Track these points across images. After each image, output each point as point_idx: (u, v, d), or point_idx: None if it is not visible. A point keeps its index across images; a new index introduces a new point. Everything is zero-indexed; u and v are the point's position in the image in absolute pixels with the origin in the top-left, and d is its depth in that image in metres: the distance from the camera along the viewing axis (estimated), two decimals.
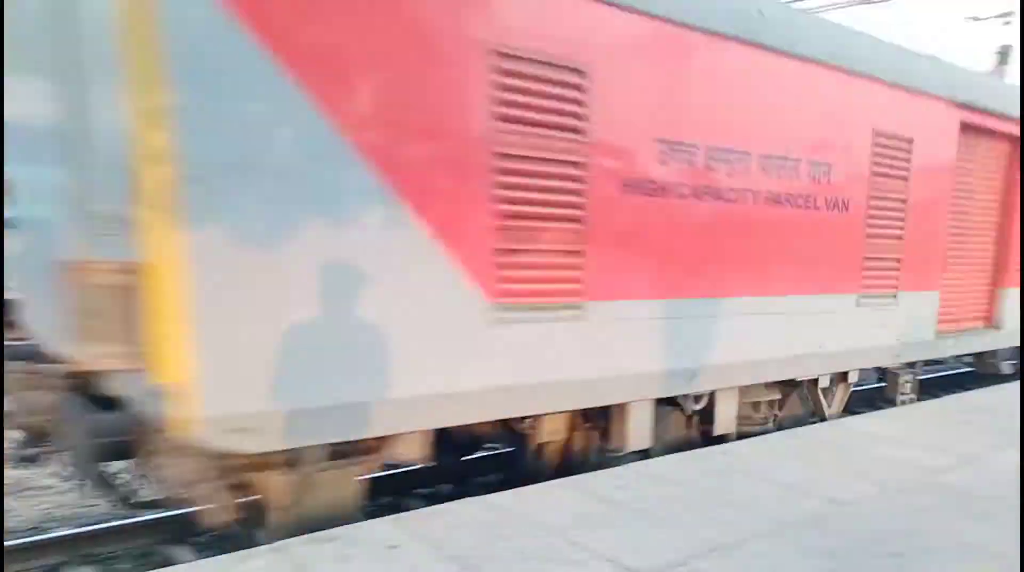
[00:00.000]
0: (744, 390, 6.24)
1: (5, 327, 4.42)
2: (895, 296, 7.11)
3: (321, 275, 3.67)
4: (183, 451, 3.69)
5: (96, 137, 3.57)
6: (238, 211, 3.38)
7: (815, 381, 6.88)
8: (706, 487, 4.79)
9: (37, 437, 4.33)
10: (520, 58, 4.23)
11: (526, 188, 4.38)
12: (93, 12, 3.48)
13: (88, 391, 4.11)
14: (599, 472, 5.01)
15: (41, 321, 4.14)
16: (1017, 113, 8.04)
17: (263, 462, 3.94)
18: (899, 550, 3.95)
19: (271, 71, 3.37)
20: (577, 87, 4.51)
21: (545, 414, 5.07)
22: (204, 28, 3.18)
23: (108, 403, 3.98)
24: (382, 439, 4.31)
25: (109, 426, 3.89)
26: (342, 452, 4.18)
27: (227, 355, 3.45)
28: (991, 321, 8.79)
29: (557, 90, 4.42)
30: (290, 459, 4.01)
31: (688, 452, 5.62)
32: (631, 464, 5.24)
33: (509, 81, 4.21)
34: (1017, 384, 8.79)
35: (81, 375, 4.03)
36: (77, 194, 3.64)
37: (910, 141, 6.82)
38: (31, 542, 5.23)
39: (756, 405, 6.52)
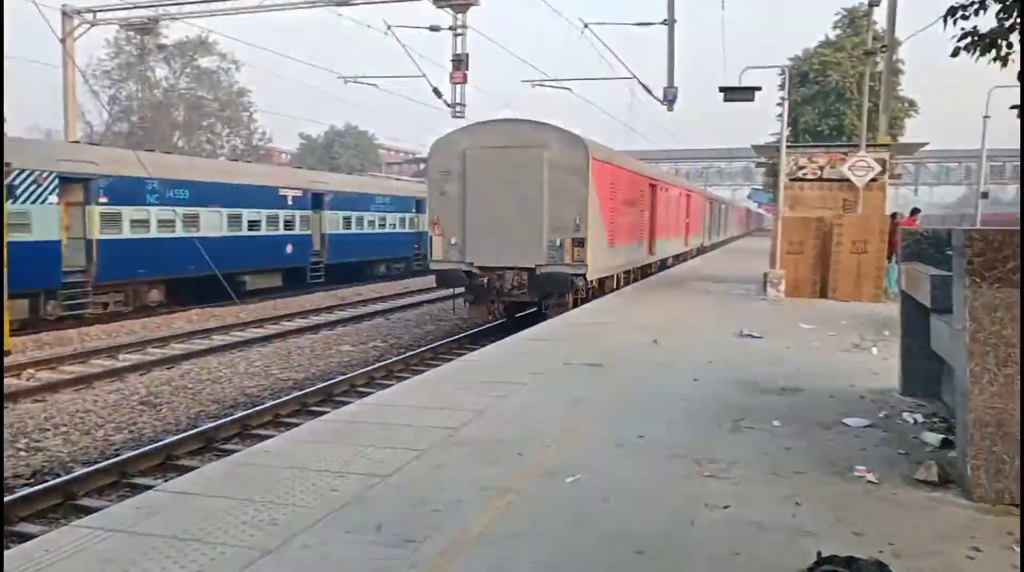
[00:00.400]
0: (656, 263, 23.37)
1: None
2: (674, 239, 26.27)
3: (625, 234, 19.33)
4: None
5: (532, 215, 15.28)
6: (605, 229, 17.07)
7: (665, 260, 25.25)
8: (248, 496, 4.64)
9: None
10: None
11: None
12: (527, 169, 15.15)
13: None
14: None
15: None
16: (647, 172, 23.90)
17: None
18: (437, 507, 4.37)
19: (593, 193, 15.21)
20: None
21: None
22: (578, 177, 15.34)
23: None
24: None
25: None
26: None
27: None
28: (652, 252, 22.64)
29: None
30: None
31: (226, 460, 5.37)
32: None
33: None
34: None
35: None
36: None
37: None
38: None
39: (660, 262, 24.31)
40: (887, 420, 6.40)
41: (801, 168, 18.28)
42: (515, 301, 15.89)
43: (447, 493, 4.60)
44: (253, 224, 22.55)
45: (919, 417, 6.44)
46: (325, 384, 11.56)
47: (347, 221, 27.29)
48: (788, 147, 17.82)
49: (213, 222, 21.00)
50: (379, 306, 21.47)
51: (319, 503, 4.44)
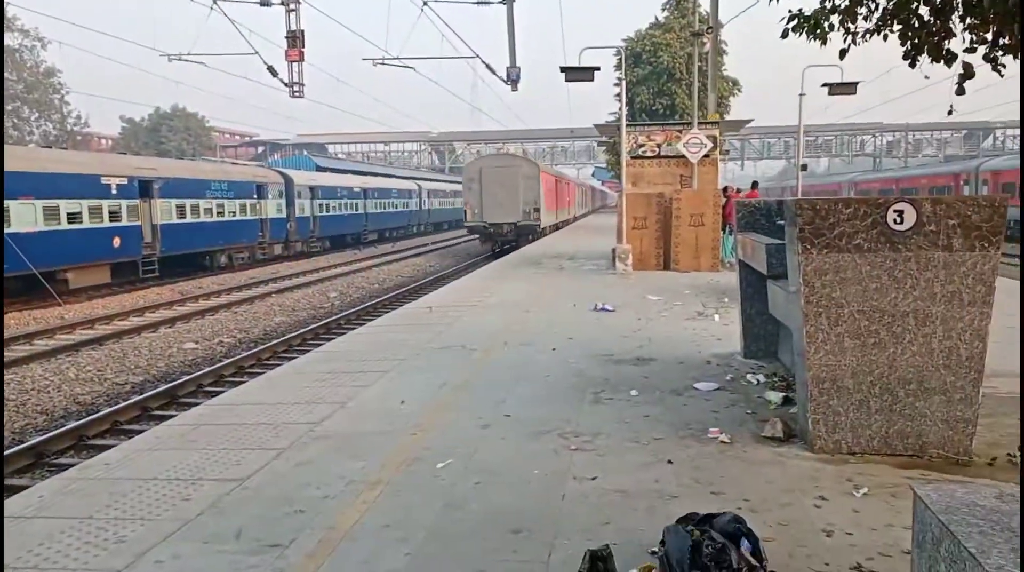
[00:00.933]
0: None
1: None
2: (567, 209, 44.60)
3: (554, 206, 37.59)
4: None
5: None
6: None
7: (567, 220, 43.60)
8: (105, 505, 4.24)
9: None
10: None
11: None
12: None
13: None
14: None
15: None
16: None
17: None
18: (301, 507, 4.18)
19: (541, 188, 30.42)
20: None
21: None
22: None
23: None
24: None
25: None
26: None
27: None
28: (560, 215, 38.74)
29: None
30: None
31: (60, 476, 4.89)
32: None
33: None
34: None
35: None
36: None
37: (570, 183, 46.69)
38: None
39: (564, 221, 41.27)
40: (733, 382, 6.81)
41: (641, 146, 19.11)
42: (506, 239, 29.97)
43: (311, 491, 4.42)
44: (73, 216, 20.65)
45: (761, 377, 6.89)
46: (168, 386, 10.81)
47: (180, 209, 25.59)
48: (627, 126, 18.50)
49: (26, 216, 19.06)
50: (223, 299, 20.36)
51: (171, 514, 4.13)
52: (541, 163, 34.76)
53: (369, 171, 52.29)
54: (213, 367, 11.97)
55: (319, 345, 11.51)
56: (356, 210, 40.26)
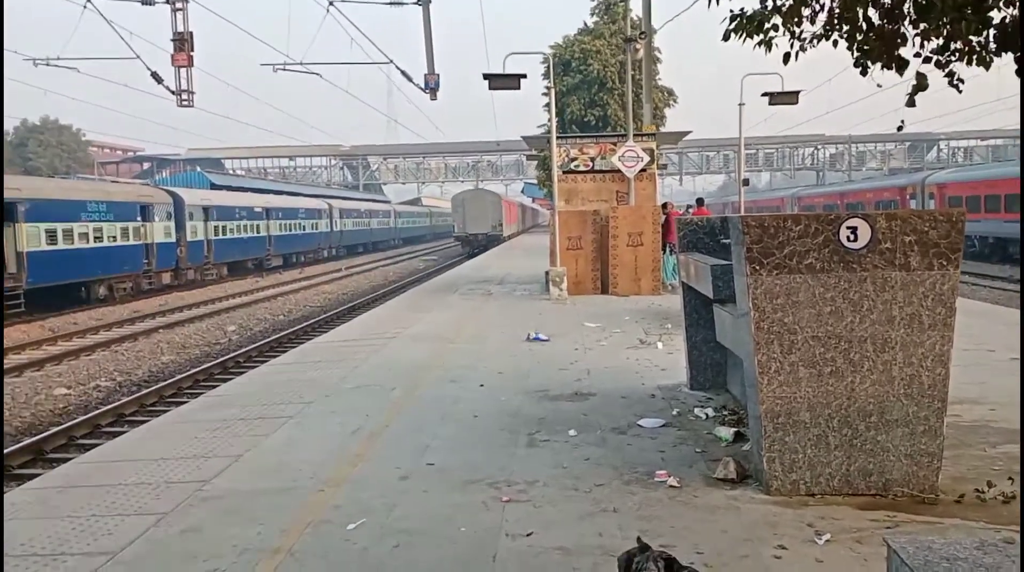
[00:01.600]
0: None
1: None
2: (515, 224, 65.54)
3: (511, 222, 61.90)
4: None
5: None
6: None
7: (516, 233, 65.79)
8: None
9: None
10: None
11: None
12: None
13: None
14: None
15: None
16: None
17: None
18: None
19: (503, 211, 54.43)
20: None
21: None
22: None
23: None
24: None
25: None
26: None
27: None
28: (512, 228, 60.57)
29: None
30: None
31: None
32: None
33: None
34: None
35: None
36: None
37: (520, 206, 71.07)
38: None
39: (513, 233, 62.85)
40: (680, 417, 6.78)
41: (573, 160, 19.27)
42: (479, 245, 47.25)
43: (198, 565, 4.13)
44: None
45: (710, 411, 6.89)
46: (32, 440, 10.18)
47: (51, 235, 24.46)
48: (558, 138, 18.65)
49: None
50: (101, 337, 19.47)
51: None
52: (505, 197, 60.71)
53: (272, 189, 51.37)
54: (87, 416, 11.37)
55: (213, 387, 11.06)
56: (257, 232, 39.42)
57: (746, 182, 28.78)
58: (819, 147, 78.05)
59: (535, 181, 56.95)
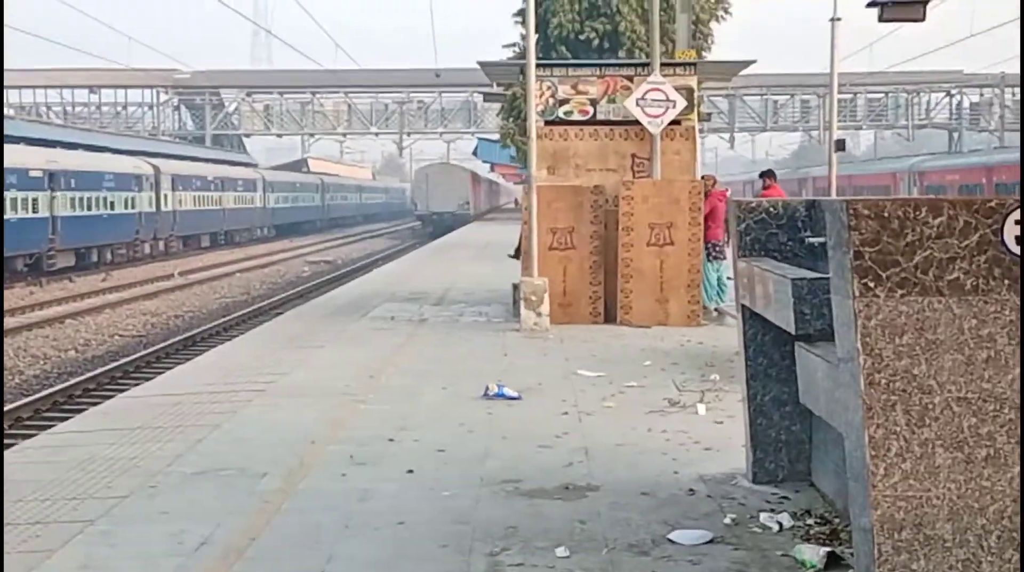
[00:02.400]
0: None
1: None
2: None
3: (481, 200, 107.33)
4: None
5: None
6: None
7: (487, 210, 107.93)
8: None
9: None
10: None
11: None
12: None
13: None
14: None
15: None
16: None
17: None
18: None
19: (471, 187, 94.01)
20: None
21: None
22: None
23: None
24: None
25: None
26: None
27: None
28: (482, 206, 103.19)
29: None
30: None
31: None
32: None
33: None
34: None
35: None
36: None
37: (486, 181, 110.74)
38: None
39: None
40: (737, 528, 6.73)
41: (562, 103, 18.86)
42: (444, 224, 75.36)
43: None
44: None
45: (785, 519, 6.84)
46: None
47: None
48: (538, 65, 18.35)
49: None
50: None
51: None
52: (474, 172, 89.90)
53: (62, 140, 50.63)
54: None
55: None
56: (33, 211, 38.91)
57: (840, 145, 28.83)
58: (954, 92, 78.91)
59: (495, 136, 55.87)
